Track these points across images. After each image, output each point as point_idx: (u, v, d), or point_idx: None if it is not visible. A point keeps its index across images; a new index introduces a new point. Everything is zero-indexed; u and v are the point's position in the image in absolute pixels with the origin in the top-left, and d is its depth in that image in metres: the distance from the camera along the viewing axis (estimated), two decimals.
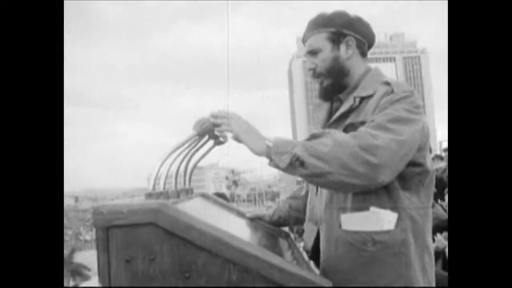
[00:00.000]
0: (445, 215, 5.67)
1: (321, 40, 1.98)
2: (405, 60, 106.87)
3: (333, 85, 2.00)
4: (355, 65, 1.99)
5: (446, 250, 4.63)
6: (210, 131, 1.77)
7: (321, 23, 1.99)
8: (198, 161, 1.90)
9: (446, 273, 4.63)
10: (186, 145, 1.76)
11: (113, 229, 1.44)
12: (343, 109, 1.91)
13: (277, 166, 1.64)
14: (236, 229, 1.49)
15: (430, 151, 1.98)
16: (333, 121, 1.93)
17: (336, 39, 1.97)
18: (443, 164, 9.71)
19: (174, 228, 1.42)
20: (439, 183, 8.07)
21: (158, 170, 1.63)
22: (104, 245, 1.45)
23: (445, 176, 8.86)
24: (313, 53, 2.00)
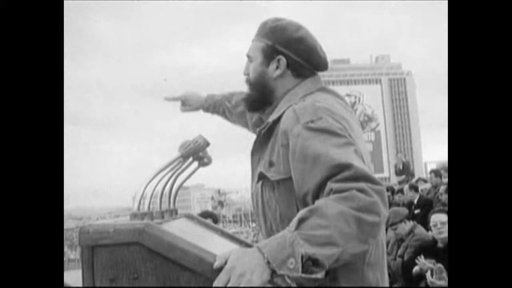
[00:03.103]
0: (428, 236, 5.71)
1: (257, 49, 1.89)
2: (391, 82, 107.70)
3: (256, 99, 1.92)
4: (282, 86, 1.87)
5: (429, 273, 4.65)
6: (195, 153, 1.81)
7: (263, 31, 1.90)
8: (183, 182, 1.93)
9: None
10: (171, 166, 1.79)
11: (98, 248, 1.48)
12: (257, 135, 1.84)
13: (292, 276, 1.43)
14: (219, 249, 1.52)
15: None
16: (253, 149, 1.86)
17: (269, 54, 1.86)
18: (428, 186, 9.82)
19: (158, 247, 1.45)
20: (425, 204, 8.15)
21: (143, 191, 1.66)
22: (89, 264, 1.49)
23: (430, 197, 8.97)
24: (249, 59, 1.93)
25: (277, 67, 1.86)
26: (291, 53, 1.86)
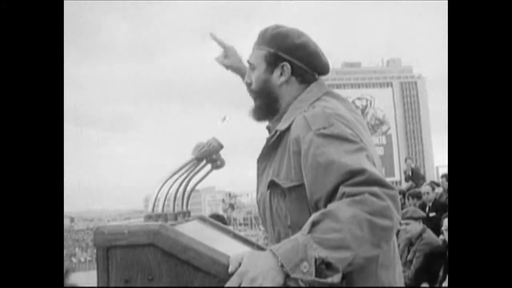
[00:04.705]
0: (437, 241, 5.71)
1: (259, 57, 1.89)
2: (402, 85, 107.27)
3: (261, 107, 1.92)
4: (287, 93, 1.88)
5: None
6: (208, 156, 1.83)
7: (264, 39, 1.90)
8: (196, 184, 1.95)
9: None
10: (185, 169, 1.80)
11: (113, 249, 1.49)
12: (266, 144, 1.84)
13: (306, 279, 1.44)
14: (232, 251, 1.53)
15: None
16: (260, 157, 1.87)
17: (272, 61, 1.87)
18: (440, 190, 9.77)
19: (172, 249, 1.46)
20: (438, 207, 8.11)
21: (158, 193, 1.67)
22: (104, 265, 1.50)
23: (442, 201, 8.92)
24: (251, 67, 1.92)
25: (281, 74, 1.86)
26: (295, 60, 1.86)
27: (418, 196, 9.11)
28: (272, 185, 1.77)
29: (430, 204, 8.56)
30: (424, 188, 9.05)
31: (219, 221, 6.41)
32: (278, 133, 1.79)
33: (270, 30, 1.90)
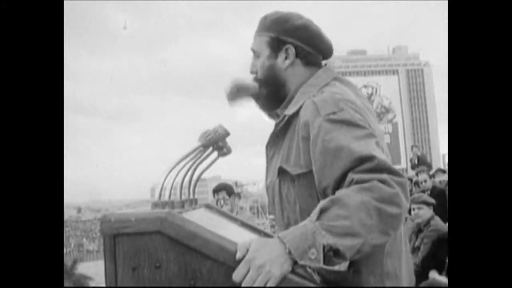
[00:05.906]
0: (445, 228, 5.70)
1: (262, 43, 1.88)
2: (408, 73, 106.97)
3: (269, 95, 1.89)
4: (294, 76, 1.86)
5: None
6: (215, 143, 1.82)
7: (264, 25, 1.89)
8: (203, 172, 1.94)
9: None
10: (191, 156, 1.80)
11: (120, 237, 1.48)
12: (274, 129, 1.82)
13: (314, 266, 1.44)
14: (239, 239, 1.52)
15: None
16: (268, 143, 1.86)
17: (275, 46, 1.85)
18: (446, 177, 9.74)
19: (179, 236, 1.46)
20: (444, 195, 8.11)
21: (164, 181, 1.66)
22: (111, 253, 1.49)
23: (442, 188, 8.91)
24: (255, 55, 1.91)
25: (286, 57, 1.85)
26: (297, 41, 1.85)
27: (418, 184, 9.14)
28: (282, 171, 1.76)
29: (428, 192, 8.56)
30: (421, 177, 9.05)
31: (227, 189, 6.46)
32: (286, 118, 1.77)
33: (269, 16, 1.89)
